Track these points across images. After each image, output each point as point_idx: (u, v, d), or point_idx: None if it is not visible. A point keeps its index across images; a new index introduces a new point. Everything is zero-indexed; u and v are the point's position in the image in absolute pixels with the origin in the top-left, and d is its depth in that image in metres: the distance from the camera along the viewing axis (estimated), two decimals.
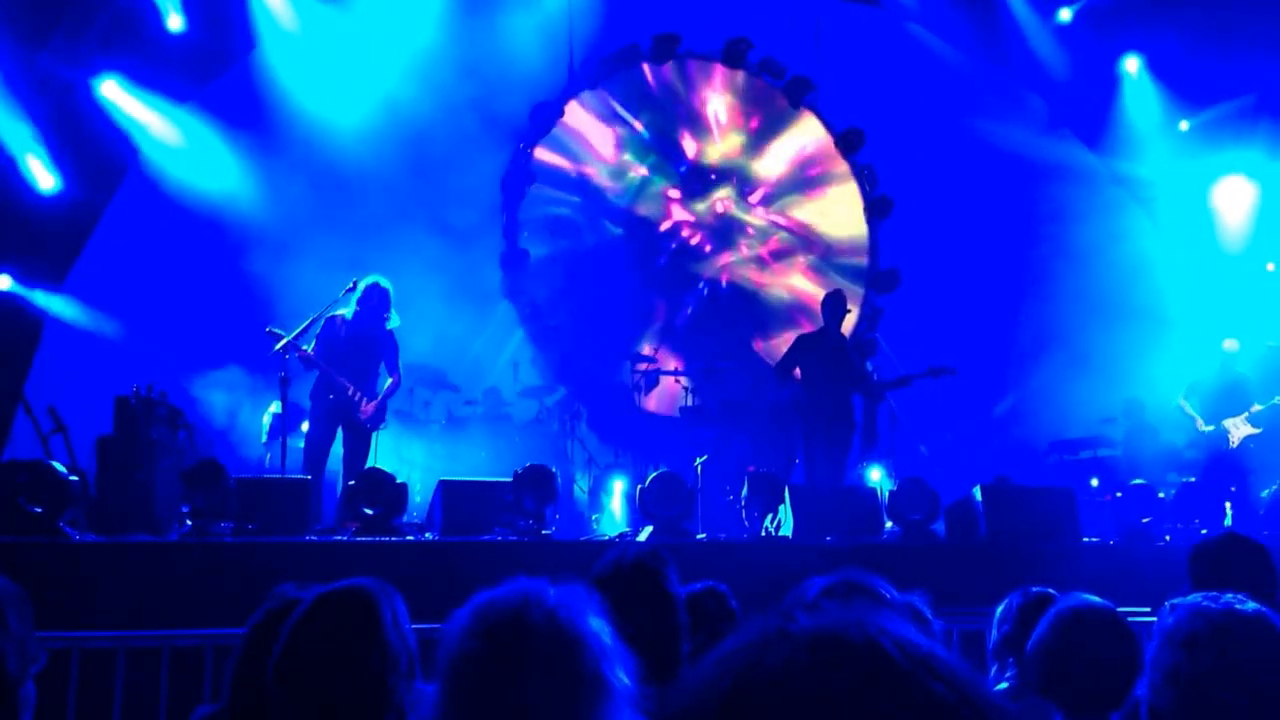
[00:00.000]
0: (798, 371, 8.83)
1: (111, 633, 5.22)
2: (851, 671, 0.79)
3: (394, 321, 8.17)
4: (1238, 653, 1.73)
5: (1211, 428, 10.16)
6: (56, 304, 9.73)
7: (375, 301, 8.07)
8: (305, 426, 8.34)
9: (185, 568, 5.79)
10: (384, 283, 8.13)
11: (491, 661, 1.67)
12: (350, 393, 7.90)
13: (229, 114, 10.42)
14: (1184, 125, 12.45)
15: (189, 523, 6.17)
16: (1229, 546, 3.27)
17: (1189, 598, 1.89)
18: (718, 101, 12.89)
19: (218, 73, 10.54)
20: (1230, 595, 1.84)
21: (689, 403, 10.54)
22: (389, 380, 8.25)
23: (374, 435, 8.20)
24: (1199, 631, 1.76)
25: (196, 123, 10.39)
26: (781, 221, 13.06)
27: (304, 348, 7.83)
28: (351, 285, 8.08)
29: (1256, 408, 10.08)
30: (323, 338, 7.98)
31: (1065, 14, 12.00)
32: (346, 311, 8.09)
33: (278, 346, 7.72)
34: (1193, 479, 9.39)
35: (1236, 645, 1.74)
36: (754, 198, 12.98)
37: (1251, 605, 1.81)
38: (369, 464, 7.89)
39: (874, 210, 13.11)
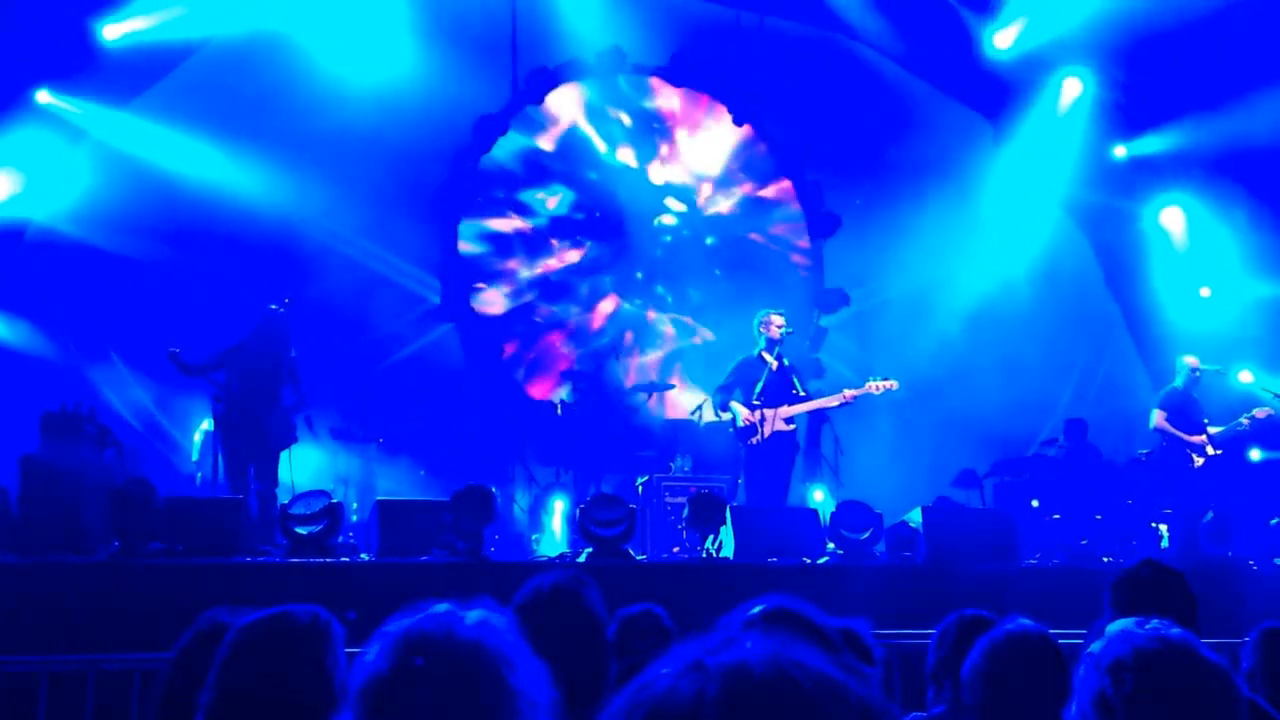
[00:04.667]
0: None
1: (35, 656, 5.08)
2: (761, 703, 0.79)
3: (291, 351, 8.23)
4: (1162, 678, 1.74)
5: (1204, 438, 9.48)
6: None
7: (270, 329, 8.12)
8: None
9: (112, 589, 5.65)
10: (278, 311, 8.18)
11: (402, 689, 1.64)
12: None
13: (169, 120, 10.23)
14: (1120, 151, 12.72)
15: (116, 543, 6.02)
16: (1147, 574, 3.30)
17: (1115, 623, 1.91)
18: (662, 118, 12.92)
19: (155, 80, 10.36)
20: (1156, 621, 1.86)
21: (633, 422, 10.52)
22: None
23: (284, 454, 8.10)
24: (1124, 657, 1.78)
25: (133, 128, 10.19)
26: (726, 237, 13.09)
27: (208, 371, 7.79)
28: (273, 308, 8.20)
29: (1213, 429, 9.58)
30: (232, 362, 7.93)
31: (1008, 38, 12.22)
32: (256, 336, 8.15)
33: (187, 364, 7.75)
34: (1130, 501, 9.47)
35: (1161, 671, 1.75)
36: (697, 213, 13.00)
37: (1177, 631, 1.83)
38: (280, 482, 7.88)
39: (818, 228, 13.21)
